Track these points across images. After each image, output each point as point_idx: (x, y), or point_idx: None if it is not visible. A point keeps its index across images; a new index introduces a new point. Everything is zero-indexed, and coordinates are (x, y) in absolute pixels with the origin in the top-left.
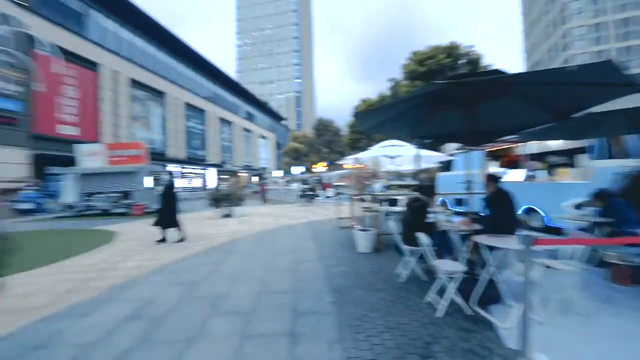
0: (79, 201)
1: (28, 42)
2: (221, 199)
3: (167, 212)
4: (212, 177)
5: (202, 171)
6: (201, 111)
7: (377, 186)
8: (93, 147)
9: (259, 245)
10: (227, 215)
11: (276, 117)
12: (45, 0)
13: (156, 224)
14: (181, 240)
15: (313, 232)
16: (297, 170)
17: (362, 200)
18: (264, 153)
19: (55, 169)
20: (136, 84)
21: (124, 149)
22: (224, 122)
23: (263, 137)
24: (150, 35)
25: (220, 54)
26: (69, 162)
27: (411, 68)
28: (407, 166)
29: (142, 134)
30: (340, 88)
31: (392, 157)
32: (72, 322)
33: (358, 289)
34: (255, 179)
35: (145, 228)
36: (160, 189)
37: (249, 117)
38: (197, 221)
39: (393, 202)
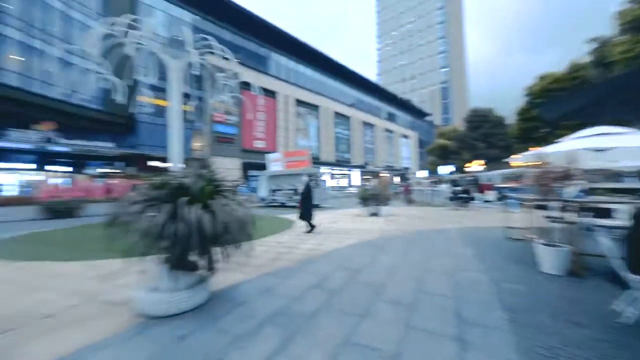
0: (268, 195)
1: (241, 86)
2: (369, 198)
3: (306, 207)
4: (356, 178)
5: (347, 172)
6: (347, 118)
7: (571, 190)
8: (276, 155)
9: (410, 244)
10: (374, 214)
11: (419, 113)
12: (247, 53)
13: (301, 217)
14: (309, 231)
15: (472, 239)
16: (444, 169)
17: (543, 207)
18: (406, 152)
19: (253, 172)
20: (299, 102)
21: (294, 156)
22: (367, 125)
23: (404, 136)
24: (307, 59)
25: (362, 60)
26: (261, 167)
27: (636, 14)
28: (627, 161)
29: (303, 142)
30: (500, 69)
31: (600, 151)
32: (280, 281)
33: (543, 314)
34: (396, 179)
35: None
36: (301, 188)
37: (390, 118)
38: (348, 217)
39: (603, 213)
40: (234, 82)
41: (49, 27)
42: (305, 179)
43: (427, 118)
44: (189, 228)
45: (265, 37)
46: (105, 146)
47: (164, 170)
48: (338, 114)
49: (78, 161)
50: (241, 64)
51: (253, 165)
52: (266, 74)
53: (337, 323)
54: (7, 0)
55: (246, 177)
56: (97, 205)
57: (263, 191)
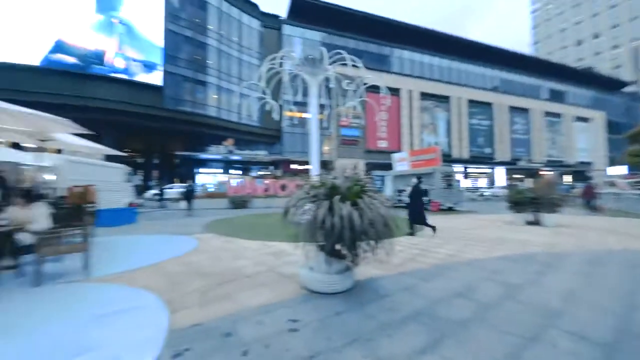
0: (393, 196)
1: (366, 89)
2: (524, 203)
3: (417, 210)
4: (500, 177)
5: (487, 170)
6: (487, 105)
7: None
8: (401, 154)
9: (598, 267)
10: (533, 223)
11: (607, 84)
12: (369, 56)
13: (411, 222)
14: (410, 234)
15: None
16: None
17: None
18: (584, 142)
19: (377, 173)
20: (424, 95)
21: (421, 154)
22: (517, 110)
23: (582, 119)
24: (433, 47)
25: (507, 35)
26: (384, 167)
27: None
28: None
29: (430, 138)
30: None
31: None
32: (418, 282)
33: None
34: (566, 178)
35: (443, 223)
36: (409, 190)
37: (555, 97)
38: (493, 223)
39: None
40: (360, 88)
41: (230, 70)
42: (414, 180)
43: (626, 89)
44: (342, 222)
45: (387, 35)
46: (261, 154)
47: (304, 172)
48: (474, 102)
49: (245, 166)
50: (365, 67)
51: (376, 166)
52: (388, 72)
53: (496, 339)
54: (207, 57)
55: (370, 178)
56: (259, 200)
57: (388, 192)
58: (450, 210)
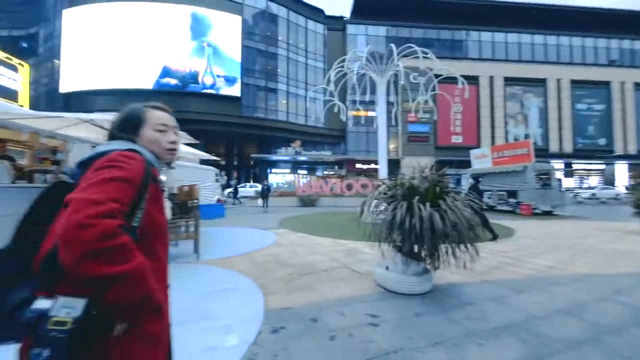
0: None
1: (438, 80)
2: None
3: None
4: (622, 175)
5: (601, 167)
6: (600, 85)
7: None
8: (481, 150)
9: None
10: None
11: None
12: (441, 44)
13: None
14: (493, 239)
15: None
16: None
17: None
18: None
19: (450, 171)
20: (510, 80)
21: (508, 149)
22: None
23: None
24: (519, 23)
25: None
26: (458, 164)
27: None
28: None
29: (517, 130)
30: None
31: None
32: (510, 293)
33: None
34: None
35: (539, 229)
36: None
37: None
38: (613, 233)
39: None
40: (432, 81)
41: (297, 75)
42: (471, 180)
43: None
44: (422, 224)
45: (461, 18)
46: (326, 154)
47: (368, 171)
48: (580, 83)
49: (311, 166)
50: (437, 57)
51: (448, 163)
52: (464, 59)
53: None
54: (277, 66)
55: (449, 178)
56: (326, 199)
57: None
58: (548, 214)
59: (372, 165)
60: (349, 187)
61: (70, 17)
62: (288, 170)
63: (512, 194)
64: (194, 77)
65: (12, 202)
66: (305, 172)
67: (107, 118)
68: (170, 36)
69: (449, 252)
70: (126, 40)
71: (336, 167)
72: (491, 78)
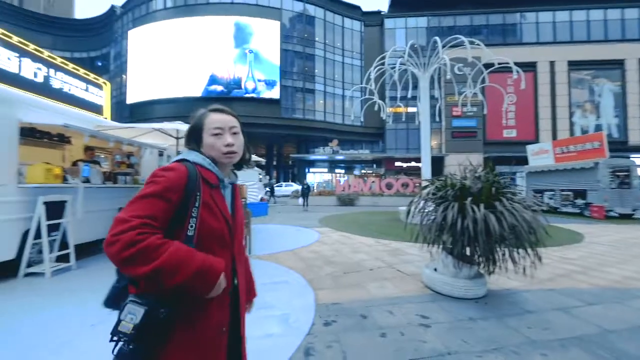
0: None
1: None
2: None
3: None
4: None
5: None
6: None
7: None
8: (540, 145)
9: None
10: None
11: None
12: (491, 30)
13: None
14: None
15: None
16: None
17: None
18: None
19: (501, 169)
20: (575, 64)
21: (575, 144)
22: None
23: None
24: None
25: None
26: (510, 161)
27: None
28: None
29: (585, 122)
30: None
31: None
32: (578, 303)
33: None
34: None
35: (613, 234)
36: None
37: None
38: None
39: None
40: (480, 72)
41: (334, 75)
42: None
43: None
44: (476, 226)
45: None
46: (363, 152)
47: (409, 169)
48: None
49: (348, 165)
50: (486, 45)
51: (499, 160)
52: (518, 44)
53: None
54: (315, 67)
55: (506, 178)
56: (365, 198)
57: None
58: (626, 218)
59: (412, 164)
60: (389, 186)
61: (134, 37)
62: (326, 170)
63: (580, 194)
64: (237, 82)
65: (104, 200)
66: (342, 171)
67: (173, 126)
68: (216, 46)
69: (505, 256)
70: (179, 53)
71: (374, 165)
72: (552, 64)
